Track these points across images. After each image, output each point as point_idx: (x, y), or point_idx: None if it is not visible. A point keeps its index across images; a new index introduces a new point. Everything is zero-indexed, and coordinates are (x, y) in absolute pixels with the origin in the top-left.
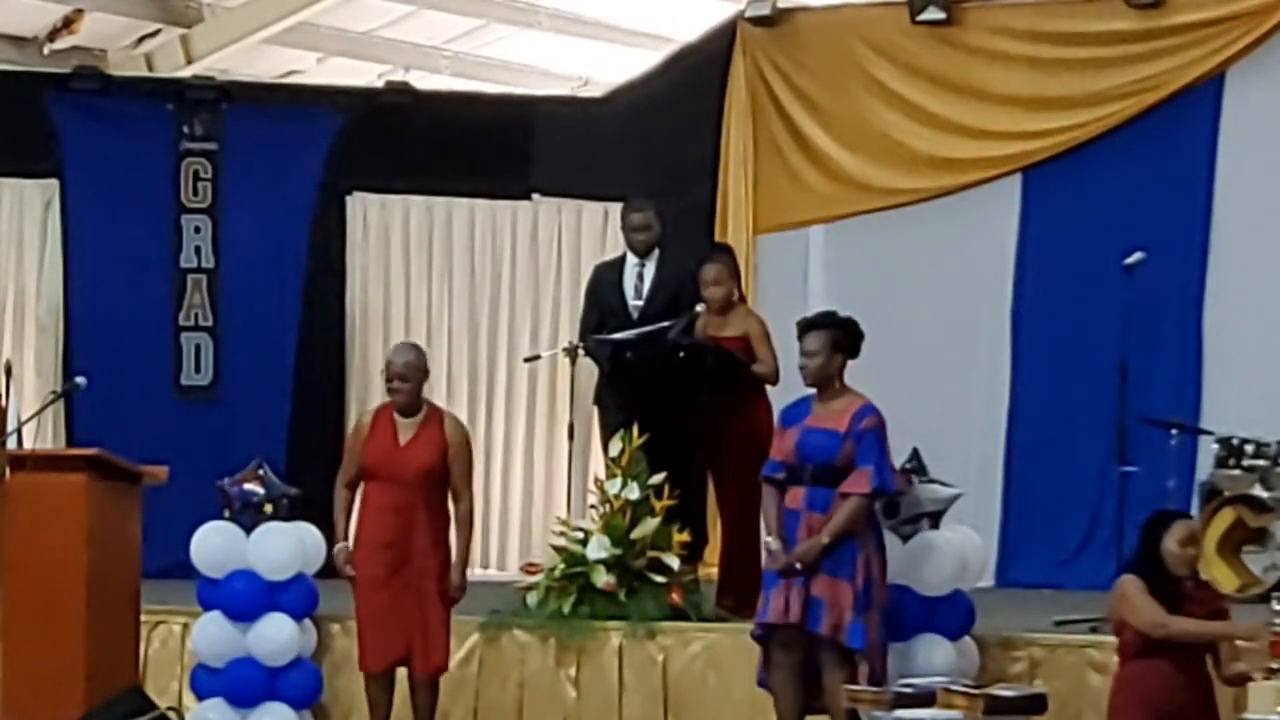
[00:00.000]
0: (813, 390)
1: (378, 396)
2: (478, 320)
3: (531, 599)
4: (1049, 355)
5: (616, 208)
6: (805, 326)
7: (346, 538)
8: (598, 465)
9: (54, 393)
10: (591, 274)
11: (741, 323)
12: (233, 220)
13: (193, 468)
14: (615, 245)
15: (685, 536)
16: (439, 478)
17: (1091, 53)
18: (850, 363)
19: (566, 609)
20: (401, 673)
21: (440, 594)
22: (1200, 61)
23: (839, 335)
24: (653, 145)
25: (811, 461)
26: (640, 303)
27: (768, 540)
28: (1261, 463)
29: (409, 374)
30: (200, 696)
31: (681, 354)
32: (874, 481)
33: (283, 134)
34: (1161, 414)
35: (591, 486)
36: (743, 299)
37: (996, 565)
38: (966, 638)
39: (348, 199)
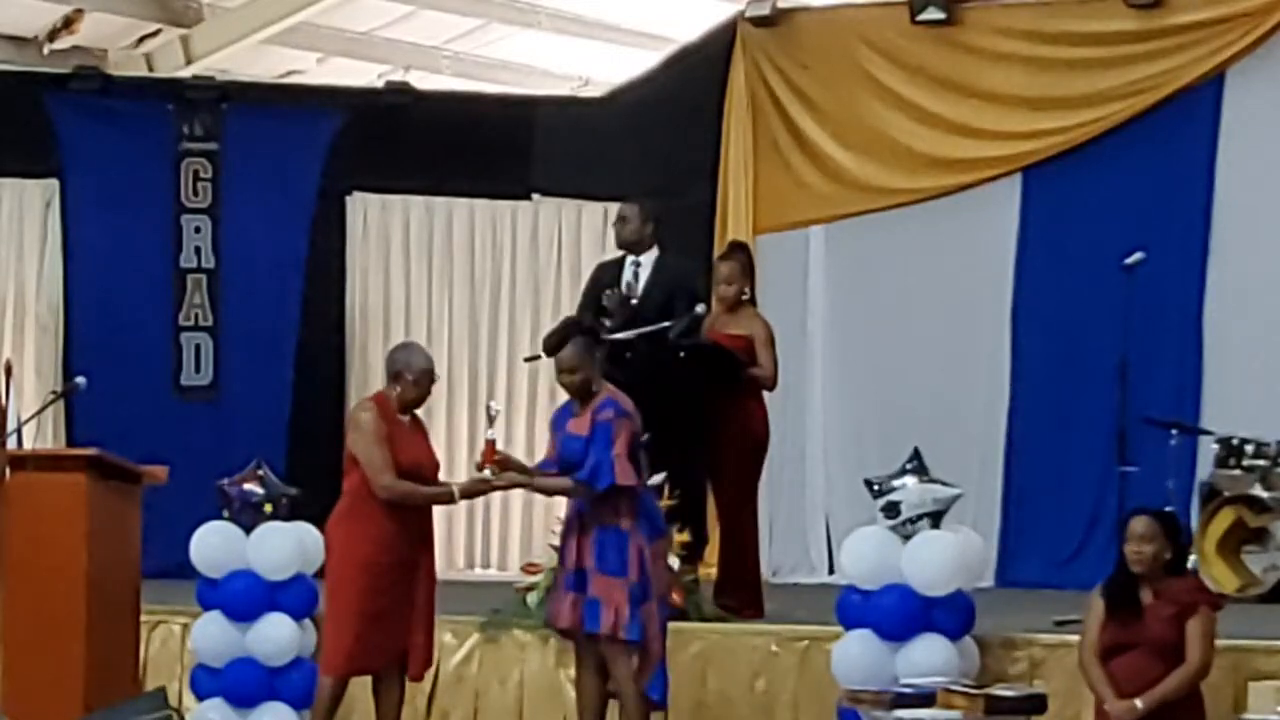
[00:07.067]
0: None
1: None
2: (478, 320)
3: (531, 599)
4: (1049, 355)
5: (616, 208)
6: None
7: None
8: None
9: (54, 393)
10: (592, 271)
11: (748, 324)
12: (233, 220)
13: (193, 468)
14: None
15: (685, 536)
16: None
17: (1091, 53)
18: (851, 362)
19: None
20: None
21: (429, 594)
22: (1200, 61)
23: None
24: (653, 145)
25: None
26: (633, 300)
27: None
28: (1261, 463)
29: None
30: (200, 696)
31: (682, 354)
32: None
33: (283, 134)
34: (1161, 414)
35: None
36: (753, 300)
37: (996, 565)
38: (967, 638)
39: (348, 199)
